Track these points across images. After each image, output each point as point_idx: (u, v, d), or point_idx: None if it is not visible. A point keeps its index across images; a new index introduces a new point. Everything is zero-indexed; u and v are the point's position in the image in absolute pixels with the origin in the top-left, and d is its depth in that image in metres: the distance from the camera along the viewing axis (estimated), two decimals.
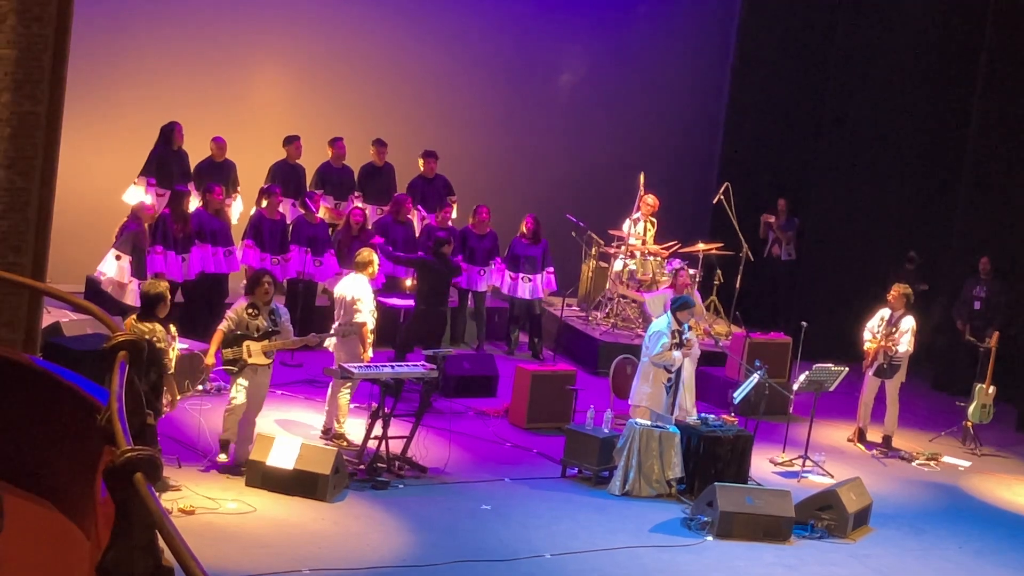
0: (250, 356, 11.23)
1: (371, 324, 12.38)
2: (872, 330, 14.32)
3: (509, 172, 18.38)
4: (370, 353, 12.30)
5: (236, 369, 11.26)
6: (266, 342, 11.30)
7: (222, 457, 11.27)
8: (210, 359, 11.44)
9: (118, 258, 13.71)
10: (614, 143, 18.88)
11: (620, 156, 18.47)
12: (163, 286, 10.53)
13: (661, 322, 13.03)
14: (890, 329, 14.18)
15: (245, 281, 11.92)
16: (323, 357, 13.32)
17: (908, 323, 14.19)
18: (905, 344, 14.17)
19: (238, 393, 11.30)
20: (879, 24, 18.65)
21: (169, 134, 15.14)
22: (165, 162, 15.13)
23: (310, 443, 11.36)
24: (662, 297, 15.05)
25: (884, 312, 14.36)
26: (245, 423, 11.39)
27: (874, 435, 14.58)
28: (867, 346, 14.35)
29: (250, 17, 16.81)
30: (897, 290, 14.29)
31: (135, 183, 14.96)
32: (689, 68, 19.57)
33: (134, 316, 10.50)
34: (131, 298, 13.76)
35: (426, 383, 12.00)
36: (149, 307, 10.33)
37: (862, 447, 14.48)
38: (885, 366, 14.27)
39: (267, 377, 11.50)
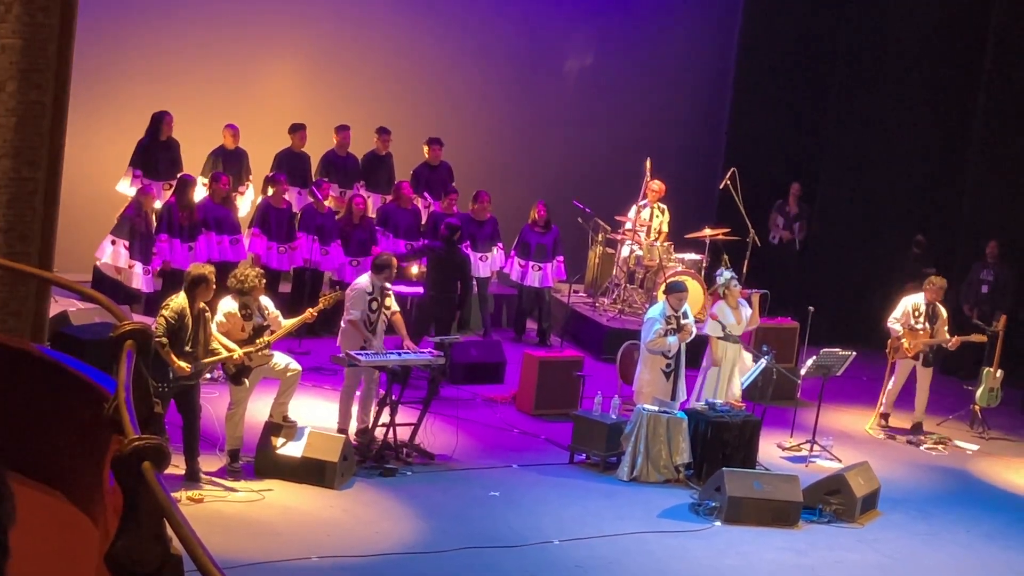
0: (251, 361, 10.82)
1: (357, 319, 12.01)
2: (907, 321, 14.33)
3: (514, 159, 18.34)
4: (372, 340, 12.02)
5: (246, 380, 10.87)
6: (261, 340, 10.87)
7: (236, 467, 10.92)
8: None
9: (113, 243, 13.77)
10: (620, 129, 18.81)
11: (626, 142, 18.40)
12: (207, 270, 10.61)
13: (656, 308, 13.03)
14: (936, 323, 14.37)
15: (233, 277, 11.01)
16: (330, 345, 13.33)
17: (944, 313, 14.48)
18: (948, 334, 14.47)
19: (239, 400, 11.01)
20: (886, 8, 18.58)
21: (157, 124, 14.79)
22: (151, 153, 14.81)
23: (318, 430, 11.33)
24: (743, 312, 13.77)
25: (911, 301, 14.40)
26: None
27: (896, 421, 14.64)
28: (904, 341, 14.33)
29: (256, 6, 16.77)
30: (937, 283, 14.38)
31: (124, 174, 14.78)
32: (695, 52, 19.50)
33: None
34: (136, 281, 13.79)
35: (433, 370, 12.00)
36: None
37: (883, 433, 14.48)
38: (931, 355, 14.46)
39: (261, 372, 11.11)
